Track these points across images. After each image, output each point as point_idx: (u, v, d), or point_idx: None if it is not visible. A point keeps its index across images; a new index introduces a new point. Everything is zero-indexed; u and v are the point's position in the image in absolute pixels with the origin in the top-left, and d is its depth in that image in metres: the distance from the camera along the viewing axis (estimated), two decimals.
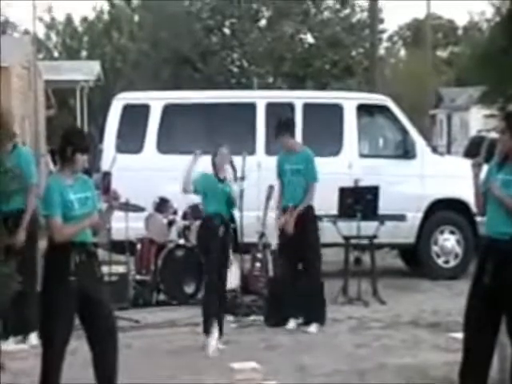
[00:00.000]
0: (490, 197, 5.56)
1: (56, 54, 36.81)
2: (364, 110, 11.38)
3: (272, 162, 10.76)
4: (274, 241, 9.43)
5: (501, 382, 5.75)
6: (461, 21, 55.27)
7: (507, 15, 23.89)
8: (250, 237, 9.06)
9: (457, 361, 5.64)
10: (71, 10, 60.87)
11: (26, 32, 31.45)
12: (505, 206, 5.47)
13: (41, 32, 36.53)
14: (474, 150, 12.86)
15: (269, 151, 10.97)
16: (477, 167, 5.64)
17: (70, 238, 5.30)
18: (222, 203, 7.37)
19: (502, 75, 23.09)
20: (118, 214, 7.25)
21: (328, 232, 9.89)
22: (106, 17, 36.09)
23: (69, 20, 37.26)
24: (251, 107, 11.16)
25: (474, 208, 6.02)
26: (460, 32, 49.31)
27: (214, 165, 7.47)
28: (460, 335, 5.76)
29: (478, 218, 8.57)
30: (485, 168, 5.68)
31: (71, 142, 5.39)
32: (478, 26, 35.01)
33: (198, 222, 9.63)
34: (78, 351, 5.73)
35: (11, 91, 18.38)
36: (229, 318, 8.02)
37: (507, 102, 23.55)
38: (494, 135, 6.00)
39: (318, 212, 10.26)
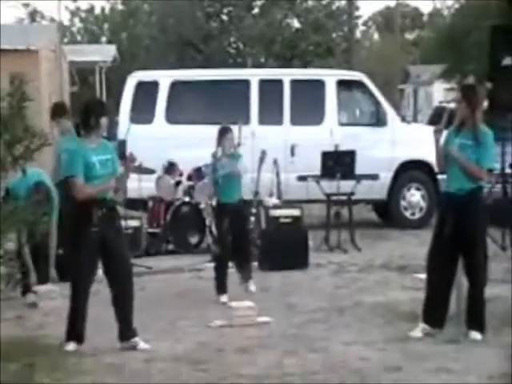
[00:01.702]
0: (449, 158, 5.54)
1: (79, 38, 36.35)
2: (343, 85, 11.27)
3: (264, 130, 10.75)
4: (266, 198, 9.42)
5: (457, 315, 5.76)
6: (426, 8, 54.82)
7: (466, 3, 23.66)
8: (245, 195, 9.01)
9: (421, 298, 5.66)
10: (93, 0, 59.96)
11: (53, 20, 31.04)
12: (462, 166, 5.45)
13: (66, 18, 36.07)
14: (437, 118, 12.78)
15: (261, 121, 10.89)
16: (438, 133, 5.62)
17: (91, 196, 5.28)
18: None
19: (460, 55, 22.94)
20: (132, 176, 7.18)
21: (312, 190, 9.88)
22: (119, 7, 35.62)
23: (91, 9, 36.78)
24: (246, 83, 11.03)
25: (436, 168, 5.99)
26: (425, 18, 48.76)
27: (220, 146, 7.07)
28: (424, 276, 5.77)
29: (440, 177, 8.54)
30: (445, 133, 5.65)
31: (94, 111, 5.36)
32: (440, 12, 34.65)
33: (201, 183, 9.63)
34: (101, 293, 5.72)
35: (40, 71, 18.20)
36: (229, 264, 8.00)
37: (464, 77, 23.42)
38: (453, 106, 5.95)
39: (303, 173, 10.29)
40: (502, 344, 5.29)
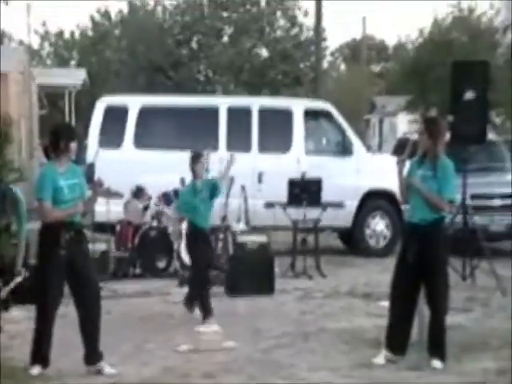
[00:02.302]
0: (412, 189, 5.64)
1: (48, 62, 36.17)
2: (310, 114, 11.42)
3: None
4: (234, 224, 9.46)
5: (419, 342, 5.84)
6: (391, 41, 55.79)
7: (429, 38, 24.17)
8: (213, 220, 9.03)
9: (385, 325, 5.72)
10: (62, 24, 59.86)
11: (21, 42, 30.83)
12: (424, 197, 5.56)
13: (36, 43, 35.90)
14: (401, 149, 12.98)
15: (230, 148, 10.96)
16: (401, 163, 5.72)
17: (58, 219, 5.27)
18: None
19: (423, 88, 23.38)
20: (100, 200, 7.17)
21: (279, 217, 9.95)
22: (89, 33, 35.56)
23: (60, 33, 36.68)
24: (215, 110, 11.12)
25: (399, 197, 6.10)
26: (390, 51, 49.63)
27: (193, 171, 7.10)
28: (387, 303, 5.83)
29: (403, 206, 8.66)
30: (408, 164, 5.76)
31: (63, 136, 5.37)
32: (404, 46, 35.37)
33: (169, 207, 9.64)
34: (68, 315, 5.68)
35: (9, 94, 18.04)
36: None
37: (427, 110, 23.86)
38: (416, 137, 6.10)
39: (270, 200, 10.36)
40: (463, 372, 5.37)
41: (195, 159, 7.11)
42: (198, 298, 6.93)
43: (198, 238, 7.04)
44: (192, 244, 7.12)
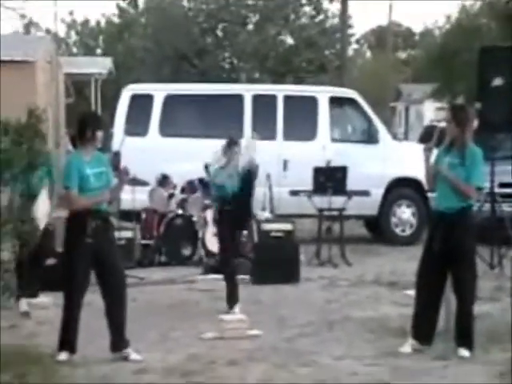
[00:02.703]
0: (439, 177, 5.58)
1: (75, 50, 36.40)
2: (335, 101, 11.34)
3: (257, 145, 10.77)
4: (259, 212, 9.44)
5: (446, 330, 5.79)
6: (417, 28, 55.13)
7: (456, 24, 23.90)
8: None
9: (410, 314, 5.68)
10: (88, 13, 60.15)
11: (48, 31, 31.02)
12: (451, 184, 5.50)
13: (62, 31, 36.13)
14: (428, 137, 12.85)
15: (255, 136, 10.94)
16: (428, 151, 5.66)
17: (85, 207, 5.30)
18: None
19: (450, 75, 23.14)
20: (126, 188, 7.20)
21: (304, 205, 9.91)
22: (115, 20, 35.67)
23: (86, 21, 36.88)
24: (239, 98, 11.09)
25: (426, 185, 6.04)
26: (416, 37, 49.10)
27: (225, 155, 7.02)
28: (413, 292, 5.79)
29: (429, 194, 8.59)
30: (435, 152, 5.70)
31: (90, 124, 5.40)
32: (431, 32, 34.90)
33: (194, 195, 9.66)
34: (94, 303, 5.72)
35: (36, 83, 18.18)
36: (220, 276, 7.99)
37: (454, 97, 23.62)
38: (443, 125, 6.01)
39: (295, 188, 10.32)
40: (490, 361, 5.31)
41: (230, 146, 7.04)
42: (226, 286, 6.93)
43: (227, 212, 6.87)
44: (220, 224, 7.02)
